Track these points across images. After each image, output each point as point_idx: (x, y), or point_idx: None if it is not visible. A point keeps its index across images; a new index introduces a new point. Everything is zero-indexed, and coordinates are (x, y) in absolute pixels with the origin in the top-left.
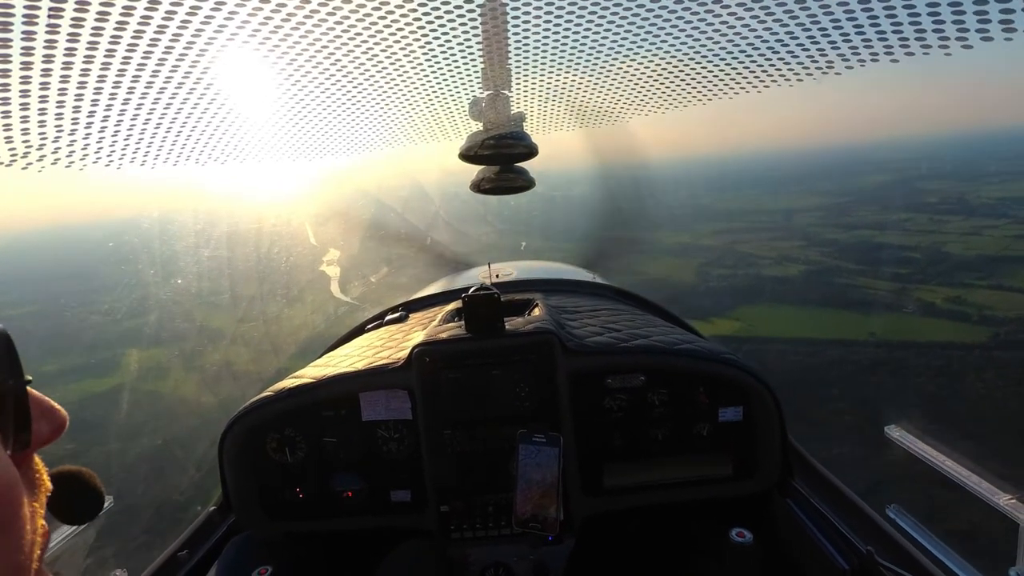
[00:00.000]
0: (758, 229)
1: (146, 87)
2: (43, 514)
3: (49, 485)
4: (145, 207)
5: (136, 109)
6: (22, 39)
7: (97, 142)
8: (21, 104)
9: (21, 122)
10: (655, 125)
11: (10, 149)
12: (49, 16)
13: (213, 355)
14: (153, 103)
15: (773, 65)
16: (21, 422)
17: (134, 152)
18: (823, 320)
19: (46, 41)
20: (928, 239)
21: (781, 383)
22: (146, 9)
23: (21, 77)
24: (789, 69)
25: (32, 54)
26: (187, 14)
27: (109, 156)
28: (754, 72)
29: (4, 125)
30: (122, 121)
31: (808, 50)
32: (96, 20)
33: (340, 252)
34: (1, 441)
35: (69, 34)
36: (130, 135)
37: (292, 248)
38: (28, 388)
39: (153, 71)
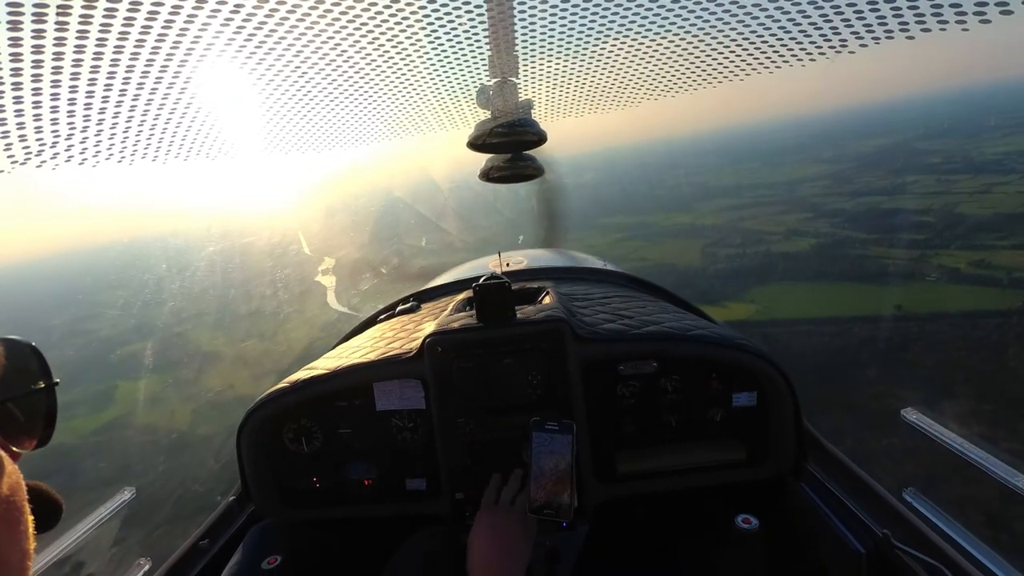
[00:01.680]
0: (761, 204)
1: (155, 82)
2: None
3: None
4: (138, 231)
5: (146, 105)
6: (32, 37)
7: (109, 139)
8: (33, 103)
9: (34, 120)
10: (641, 105)
11: (24, 147)
12: (58, 14)
13: (210, 380)
14: (163, 98)
15: (785, 45)
16: (50, 419)
17: (145, 148)
18: (843, 296)
19: (55, 39)
20: (939, 201)
21: (810, 368)
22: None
23: (32, 75)
24: (801, 49)
25: (42, 52)
26: (194, 8)
27: (121, 153)
28: (765, 53)
29: (18, 124)
30: (133, 117)
31: (821, 28)
32: (105, 16)
33: (335, 260)
34: (30, 437)
35: (78, 31)
36: (141, 131)
37: (286, 259)
38: None
39: (162, 66)
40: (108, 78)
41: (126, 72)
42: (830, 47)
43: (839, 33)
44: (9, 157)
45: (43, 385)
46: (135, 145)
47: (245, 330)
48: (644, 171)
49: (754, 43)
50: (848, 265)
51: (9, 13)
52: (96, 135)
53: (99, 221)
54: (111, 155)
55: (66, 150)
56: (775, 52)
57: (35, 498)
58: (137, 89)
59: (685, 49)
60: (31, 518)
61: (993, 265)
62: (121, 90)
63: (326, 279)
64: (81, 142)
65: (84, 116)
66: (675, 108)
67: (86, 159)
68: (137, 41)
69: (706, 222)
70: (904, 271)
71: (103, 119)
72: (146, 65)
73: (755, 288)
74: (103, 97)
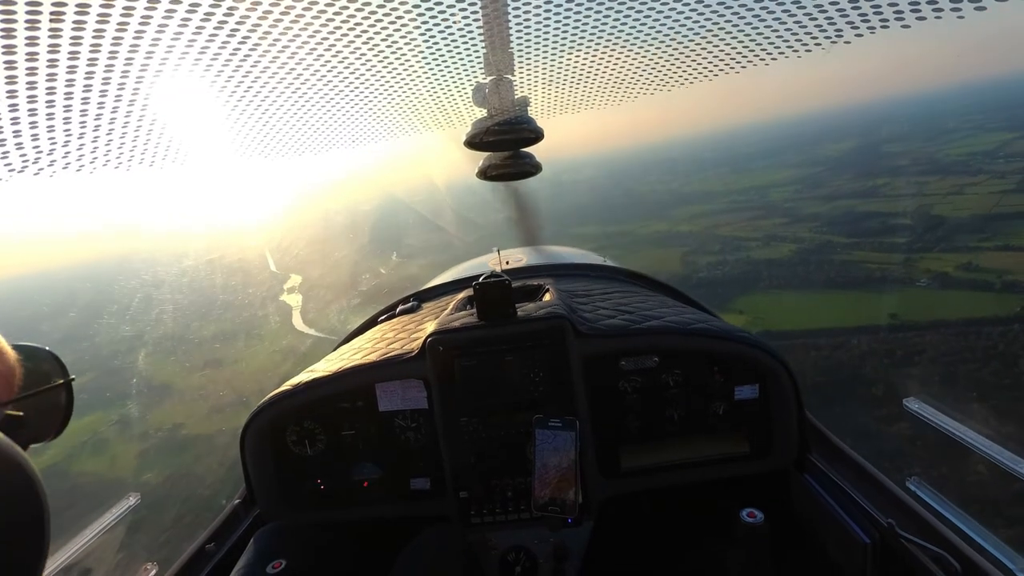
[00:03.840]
0: (736, 209)
1: (151, 86)
2: None
3: None
4: (97, 253)
5: (142, 110)
6: (26, 44)
7: (106, 144)
8: (29, 110)
9: (30, 127)
10: (607, 115)
11: (21, 156)
12: (51, 21)
13: (159, 417)
14: (156, 101)
15: (780, 36)
16: (67, 413)
17: (142, 153)
18: (833, 304)
19: (49, 46)
20: (914, 203)
21: (813, 386)
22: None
23: (27, 83)
24: (797, 39)
25: (36, 59)
26: (187, 12)
27: (118, 159)
28: (760, 44)
29: (14, 132)
30: (129, 121)
31: (816, 19)
32: (98, 21)
33: (301, 278)
34: (46, 431)
35: (72, 38)
36: (137, 135)
37: (251, 278)
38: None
39: (157, 70)
40: (103, 83)
41: (121, 76)
42: (825, 37)
43: (834, 23)
44: (7, 166)
45: (60, 382)
46: (132, 150)
47: (201, 357)
48: (616, 179)
49: (750, 35)
50: (834, 271)
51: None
52: (93, 141)
53: (52, 245)
54: (107, 160)
55: (63, 157)
56: (771, 43)
57: None
58: (133, 94)
59: (680, 43)
60: None
61: (981, 268)
62: (117, 95)
63: (292, 298)
64: (78, 149)
65: (80, 122)
66: (641, 117)
67: (83, 165)
68: (131, 45)
69: (682, 229)
70: (892, 276)
71: (99, 124)
72: (141, 69)
73: (741, 298)
74: (99, 103)
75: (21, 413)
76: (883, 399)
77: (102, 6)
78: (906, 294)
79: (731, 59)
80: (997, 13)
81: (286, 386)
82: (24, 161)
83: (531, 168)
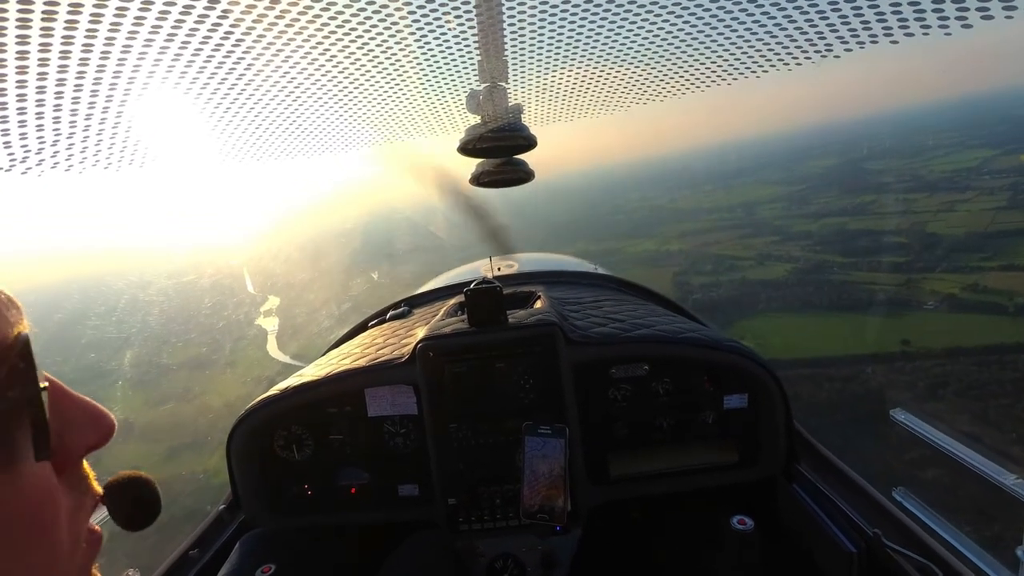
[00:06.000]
0: (724, 227)
1: (144, 86)
2: (90, 520)
3: (99, 490)
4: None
5: (133, 109)
6: (16, 43)
7: (96, 144)
8: (18, 108)
9: (19, 126)
10: (585, 131)
11: (9, 154)
12: (43, 19)
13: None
14: (152, 102)
15: (772, 49)
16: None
17: (132, 153)
18: (839, 329)
19: (40, 44)
20: (907, 221)
21: (833, 424)
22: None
23: (17, 81)
24: (788, 53)
25: (27, 58)
26: (182, 12)
27: (108, 159)
28: (752, 57)
29: (2, 130)
30: (120, 120)
31: (807, 33)
32: (91, 19)
33: (279, 299)
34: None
35: (63, 37)
36: (129, 134)
37: (228, 299)
38: (72, 391)
39: (151, 70)
40: (94, 83)
41: (113, 77)
42: (815, 51)
43: (824, 38)
44: None
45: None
46: (122, 150)
47: (166, 389)
48: (602, 194)
49: (741, 47)
50: (835, 293)
51: None
52: (83, 140)
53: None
54: (98, 161)
55: (52, 156)
56: (763, 56)
57: (125, 492)
58: (124, 95)
59: (673, 54)
60: (95, 528)
61: (989, 289)
62: (108, 96)
63: (268, 322)
64: (67, 148)
65: (71, 122)
66: (627, 132)
67: (72, 165)
68: (124, 46)
69: (672, 248)
70: (898, 299)
71: (89, 124)
72: (133, 70)
73: (741, 322)
74: (89, 103)
75: None
76: (909, 442)
77: (95, 5)
78: (915, 318)
79: (723, 71)
80: (968, 32)
81: (274, 390)
82: (12, 160)
83: (524, 175)
